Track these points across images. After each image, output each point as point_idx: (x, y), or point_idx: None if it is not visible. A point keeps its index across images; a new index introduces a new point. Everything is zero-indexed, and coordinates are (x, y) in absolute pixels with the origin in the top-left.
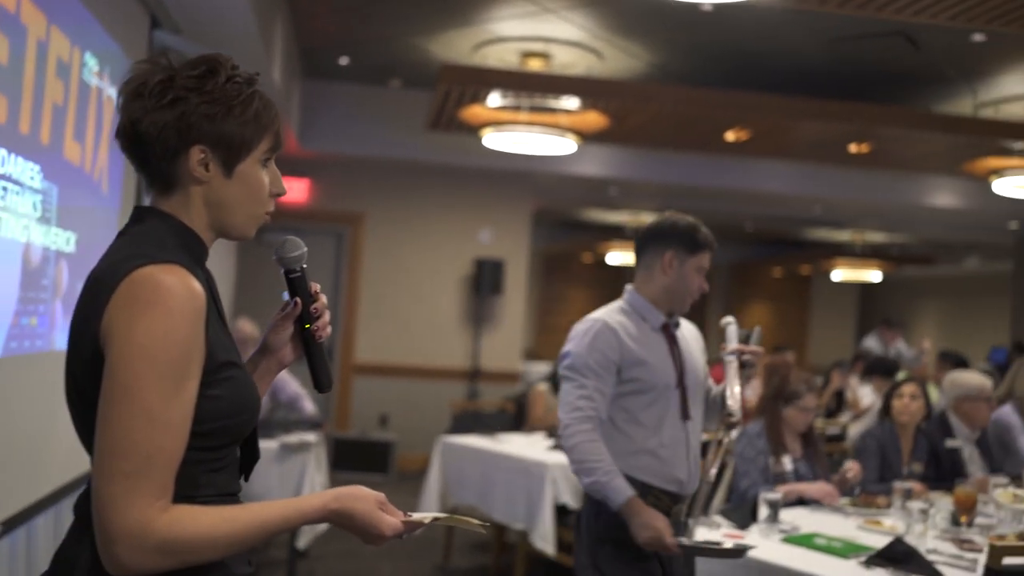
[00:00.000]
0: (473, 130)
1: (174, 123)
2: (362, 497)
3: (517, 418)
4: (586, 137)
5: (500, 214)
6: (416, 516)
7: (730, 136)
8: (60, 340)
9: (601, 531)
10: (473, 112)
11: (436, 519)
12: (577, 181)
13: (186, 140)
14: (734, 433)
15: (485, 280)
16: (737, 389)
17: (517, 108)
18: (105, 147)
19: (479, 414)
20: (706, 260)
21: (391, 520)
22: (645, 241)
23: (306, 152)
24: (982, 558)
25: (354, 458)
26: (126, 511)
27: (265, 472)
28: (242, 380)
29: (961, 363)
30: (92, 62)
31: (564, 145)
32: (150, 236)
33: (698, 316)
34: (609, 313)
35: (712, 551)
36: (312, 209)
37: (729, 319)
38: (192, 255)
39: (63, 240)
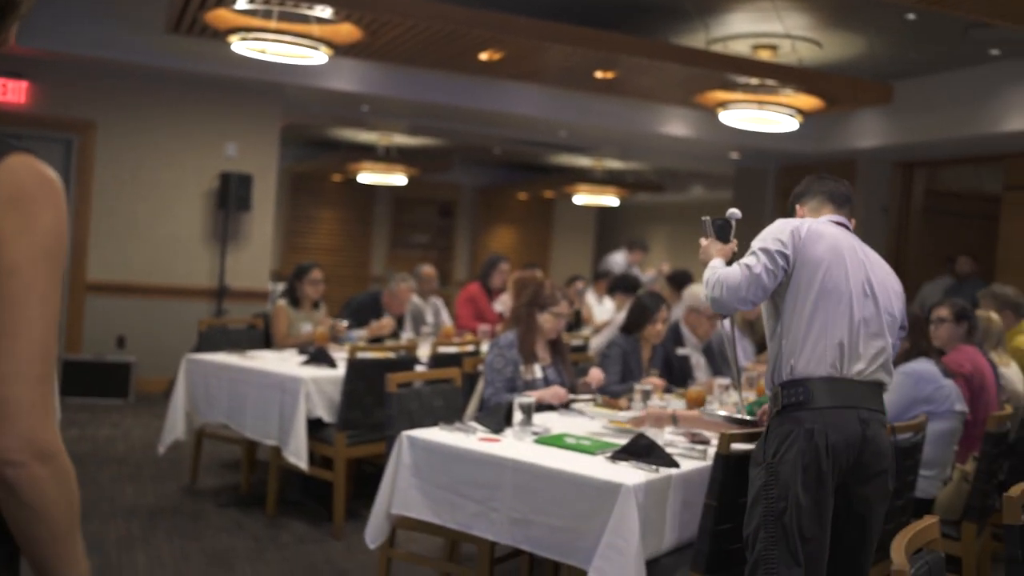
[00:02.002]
0: (219, 35)
1: None
2: None
3: (267, 335)
4: (339, 50)
5: (248, 127)
6: None
7: (483, 56)
8: None
9: None
10: (219, 15)
11: None
12: (329, 96)
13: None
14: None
15: (231, 195)
16: None
17: (267, 14)
18: None
19: (227, 331)
20: None
21: None
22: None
23: (24, 50)
24: (711, 449)
25: (88, 382)
26: (44, 420)
27: None
28: None
29: (686, 279)
30: None
31: (316, 56)
32: None
33: (447, 238)
34: None
35: None
36: (34, 114)
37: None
38: None
39: None
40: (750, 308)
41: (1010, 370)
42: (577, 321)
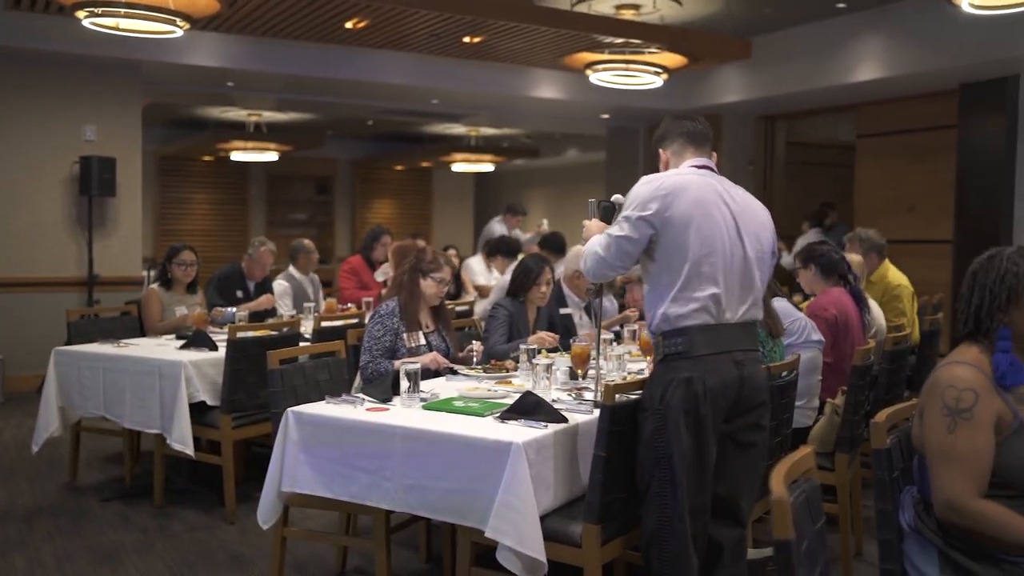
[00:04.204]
0: (65, 10)
1: None
2: None
3: (143, 322)
4: (196, 22)
5: (106, 108)
6: None
7: (349, 24)
8: None
9: None
10: None
11: None
12: (191, 72)
13: None
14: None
15: (94, 180)
16: None
17: None
18: None
19: (99, 321)
20: None
21: None
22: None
23: None
24: (594, 396)
25: None
26: None
27: None
28: None
29: (560, 243)
30: None
31: (172, 30)
32: None
33: (326, 214)
34: None
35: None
36: None
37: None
38: None
39: None
40: (622, 273)
41: (874, 306)
42: (457, 288)
